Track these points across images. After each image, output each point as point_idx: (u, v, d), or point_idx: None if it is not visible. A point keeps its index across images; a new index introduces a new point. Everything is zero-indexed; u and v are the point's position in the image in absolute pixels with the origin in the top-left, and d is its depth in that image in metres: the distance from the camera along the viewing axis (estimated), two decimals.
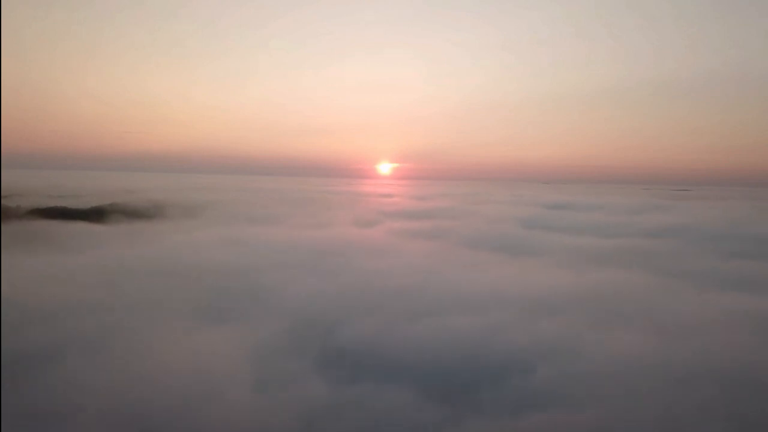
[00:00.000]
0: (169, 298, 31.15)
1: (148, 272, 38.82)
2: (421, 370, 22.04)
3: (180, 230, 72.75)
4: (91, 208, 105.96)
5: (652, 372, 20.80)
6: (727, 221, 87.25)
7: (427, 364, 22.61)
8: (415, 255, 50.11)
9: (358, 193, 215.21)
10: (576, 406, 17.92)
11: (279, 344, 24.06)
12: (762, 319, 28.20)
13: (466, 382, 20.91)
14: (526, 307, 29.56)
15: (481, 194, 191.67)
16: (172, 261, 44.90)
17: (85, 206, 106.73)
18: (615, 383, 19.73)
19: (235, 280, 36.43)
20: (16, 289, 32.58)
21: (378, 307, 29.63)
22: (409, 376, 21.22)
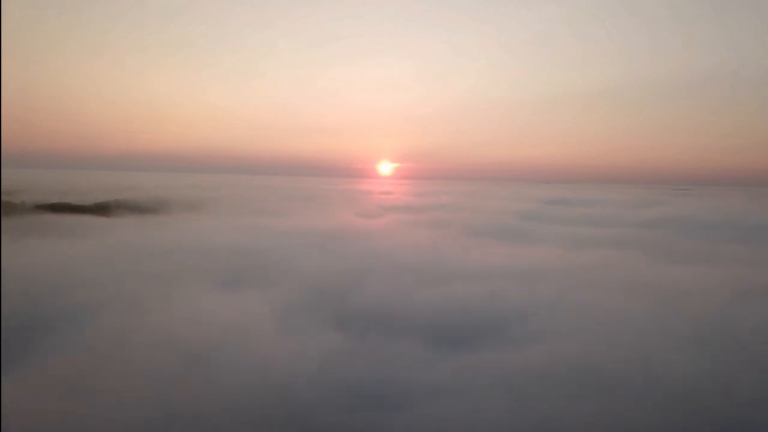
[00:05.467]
0: (190, 270, 33.13)
1: (165, 252, 40.74)
2: (428, 324, 24.21)
3: (187, 221, 74.22)
4: (96, 204, 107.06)
5: (630, 321, 23.15)
6: (719, 214, 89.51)
7: (433, 321, 24.78)
8: (419, 239, 52.18)
9: (359, 190, 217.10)
10: (561, 342, 20.17)
11: (298, 305, 26.17)
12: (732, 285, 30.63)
13: (467, 332, 23.09)
14: (523, 278, 31.78)
15: (482, 192, 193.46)
16: (186, 243, 46.64)
17: (89, 202, 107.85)
18: (598, 327, 22.03)
19: (249, 258, 38.46)
20: (31, 270, 34.21)
21: (386, 277, 31.75)
22: (416, 329, 23.38)
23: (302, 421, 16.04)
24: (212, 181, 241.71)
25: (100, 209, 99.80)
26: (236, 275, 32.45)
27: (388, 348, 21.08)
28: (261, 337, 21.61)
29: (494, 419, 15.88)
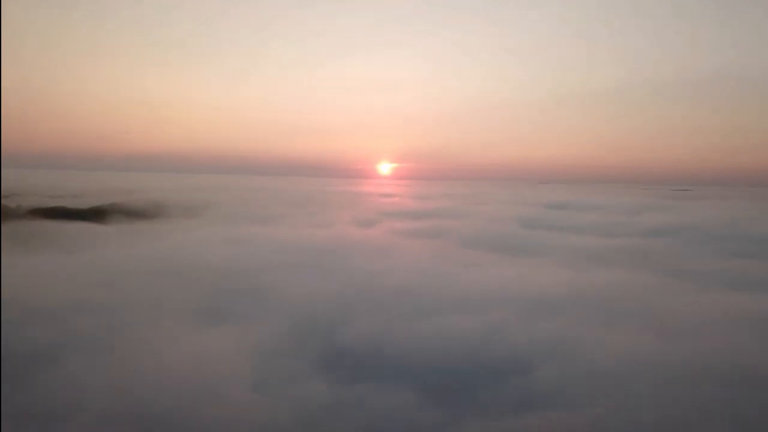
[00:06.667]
0: (170, 297, 31.22)
1: (149, 272, 38.87)
2: (422, 369, 22.16)
3: (180, 230, 72.49)
4: (91, 208, 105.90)
5: (651, 370, 20.93)
6: (726, 221, 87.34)
7: (428, 364, 22.73)
8: (415, 255, 50.21)
9: (358, 192, 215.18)
10: (575, 405, 18.04)
11: (280, 343, 24.17)
12: (760, 318, 28.34)
13: (466, 382, 21.04)
14: (526, 307, 29.68)
15: (481, 194, 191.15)
16: (173, 261, 44.84)
17: (85, 206, 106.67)
18: (614, 382, 19.88)
19: (236, 279, 36.49)
20: (17, 288, 32.46)
21: (379, 306, 29.75)
22: (409, 375, 21.33)
23: None
24: (211, 183, 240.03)
25: (96, 214, 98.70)
26: (216, 303, 30.40)
27: (372, 405, 19.02)
28: (229, 389, 19.56)
29: None
